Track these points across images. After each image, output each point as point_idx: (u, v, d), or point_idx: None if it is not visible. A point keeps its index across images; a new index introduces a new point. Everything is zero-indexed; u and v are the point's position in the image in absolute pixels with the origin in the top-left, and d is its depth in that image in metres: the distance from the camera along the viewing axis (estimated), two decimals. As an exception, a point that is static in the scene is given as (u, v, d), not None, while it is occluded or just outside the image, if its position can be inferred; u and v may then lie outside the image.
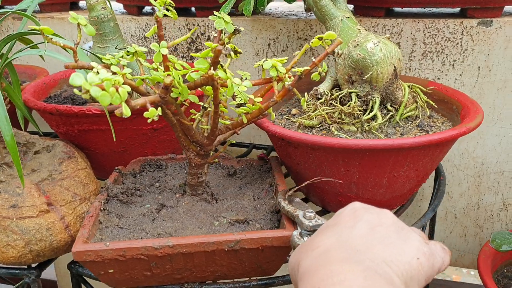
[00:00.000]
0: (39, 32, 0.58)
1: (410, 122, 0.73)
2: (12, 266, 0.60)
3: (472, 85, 0.89)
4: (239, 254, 0.54)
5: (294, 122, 0.74)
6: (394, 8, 0.97)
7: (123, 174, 0.70)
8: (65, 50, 0.54)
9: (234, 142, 0.64)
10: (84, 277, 0.62)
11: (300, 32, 0.94)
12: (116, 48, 0.74)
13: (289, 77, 0.55)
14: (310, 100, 0.74)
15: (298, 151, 0.65)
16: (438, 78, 0.90)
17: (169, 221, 0.59)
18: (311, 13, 1.01)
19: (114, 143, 0.77)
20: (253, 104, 0.55)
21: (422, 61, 0.90)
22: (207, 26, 0.99)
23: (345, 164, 0.63)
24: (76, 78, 0.36)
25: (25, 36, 0.71)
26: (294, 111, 0.79)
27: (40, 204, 0.58)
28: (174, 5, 0.51)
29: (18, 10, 0.63)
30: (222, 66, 0.49)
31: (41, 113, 0.75)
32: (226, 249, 0.53)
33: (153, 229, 0.57)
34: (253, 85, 0.53)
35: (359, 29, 0.73)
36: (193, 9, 1.08)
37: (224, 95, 0.54)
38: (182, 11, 1.05)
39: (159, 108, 0.48)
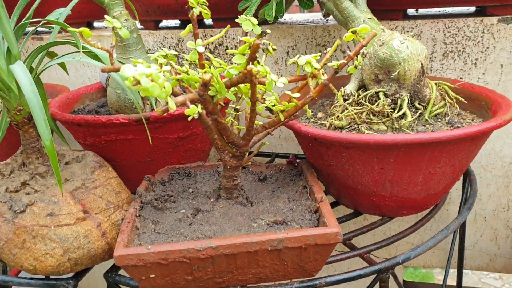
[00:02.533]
0: (69, 41, 0.58)
1: (439, 120, 0.72)
2: (49, 277, 0.58)
3: (495, 83, 0.88)
4: (282, 253, 0.53)
5: (322, 124, 0.73)
6: (411, 9, 0.97)
7: (153, 183, 0.70)
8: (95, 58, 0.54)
9: (267, 143, 0.63)
10: (121, 286, 0.61)
11: (318, 39, 0.95)
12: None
13: (323, 74, 0.54)
14: (336, 102, 0.74)
15: (331, 151, 0.65)
16: (461, 78, 0.90)
17: (207, 225, 0.58)
18: (328, 20, 1.02)
19: (140, 153, 0.76)
20: (289, 102, 0.55)
21: (443, 61, 0.90)
22: (225, 36, 0.99)
23: (380, 161, 0.62)
24: (127, 70, 0.36)
25: (50, 50, 0.72)
26: (320, 114, 0.78)
27: (77, 212, 0.57)
28: (207, 4, 0.52)
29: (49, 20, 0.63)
30: (259, 62, 0.49)
31: (68, 126, 0.75)
32: (269, 249, 0.51)
33: (191, 233, 0.56)
34: (289, 82, 0.53)
35: (382, 29, 0.73)
36: (207, 21, 1.09)
37: (260, 92, 0.54)
38: (198, 23, 1.05)
39: (199, 105, 0.48)
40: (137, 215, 0.59)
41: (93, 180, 0.62)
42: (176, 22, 1.19)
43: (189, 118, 0.46)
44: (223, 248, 0.51)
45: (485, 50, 0.87)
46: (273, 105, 0.58)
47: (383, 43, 0.70)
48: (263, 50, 0.47)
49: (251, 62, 0.46)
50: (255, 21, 0.61)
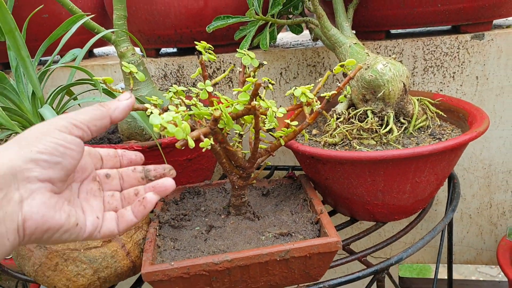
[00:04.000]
0: (89, 82, 0.65)
1: (422, 132, 0.80)
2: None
3: (472, 94, 0.97)
4: (289, 262, 0.60)
5: (317, 141, 0.80)
6: (393, 30, 1.05)
7: (167, 203, 0.76)
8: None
9: (270, 164, 0.70)
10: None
11: (308, 60, 1.02)
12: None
13: (316, 101, 0.62)
14: (329, 120, 0.81)
15: (327, 167, 0.72)
16: (441, 90, 0.98)
17: (220, 240, 0.65)
18: (316, 43, 1.10)
19: (153, 176, 0.83)
20: (287, 128, 0.62)
21: (424, 75, 0.98)
22: (222, 61, 1.06)
23: (371, 174, 0.69)
24: (155, 119, 0.43)
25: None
26: (314, 131, 0.86)
27: (103, 235, 0.64)
28: (213, 48, 0.59)
29: (64, 63, 0.70)
30: (260, 97, 0.56)
31: (84, 154, 0.82)
32: (278, 259, 0.59)
33: (207, 248, 0.63)
34: (287, 111, 0.60)
35: (367, 53, 0.81)
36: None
37: (261, 119, 0.61)
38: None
39: (211, 138, 0.55)
40: (157, 234, 0.66)
41: (114, 205, 0.69)
42: (175, 49, 1.26)
43: (203, 150, 0.53)
44: (237, 261, 0.58)
45: (461, 64, 0.95)
46: (272, 128, 0.65)
47: (368, 66, 0.78)
48: (264, 88, 0.54)
49: (254, 99, 0.54)
50: (253, 55, 0.69)
